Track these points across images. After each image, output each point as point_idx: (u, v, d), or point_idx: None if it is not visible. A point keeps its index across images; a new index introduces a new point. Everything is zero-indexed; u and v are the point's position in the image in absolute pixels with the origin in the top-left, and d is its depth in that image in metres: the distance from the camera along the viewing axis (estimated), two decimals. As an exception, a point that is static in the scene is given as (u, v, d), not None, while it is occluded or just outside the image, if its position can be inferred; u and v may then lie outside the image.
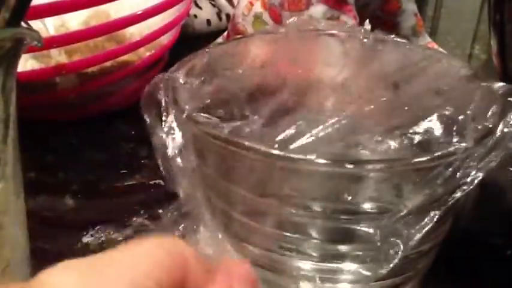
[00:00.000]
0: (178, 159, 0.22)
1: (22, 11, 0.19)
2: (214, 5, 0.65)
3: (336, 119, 0.21)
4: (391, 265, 0.20)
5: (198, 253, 0.15)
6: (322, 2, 0.45)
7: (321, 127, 0.20)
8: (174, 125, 0.22)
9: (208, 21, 0.64)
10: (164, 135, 0.22)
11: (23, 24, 0.20)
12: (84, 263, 0.13)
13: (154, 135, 0.23)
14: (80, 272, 0.13)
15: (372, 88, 0.25)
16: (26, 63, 0.42)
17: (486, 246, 0.31)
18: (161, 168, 0.23)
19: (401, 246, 0.20)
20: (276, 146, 0.19)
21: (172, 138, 0.22)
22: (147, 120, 0.23)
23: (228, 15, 0.64)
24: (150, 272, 0.13)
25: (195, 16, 0.63)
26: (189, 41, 0.58)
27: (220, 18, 0.65)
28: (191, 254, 0.14)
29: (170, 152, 0.22)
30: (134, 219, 0.28)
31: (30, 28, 0.21)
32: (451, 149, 0.19)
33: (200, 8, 0.64)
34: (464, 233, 0.30)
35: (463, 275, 0.29)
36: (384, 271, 0.20)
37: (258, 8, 0.49)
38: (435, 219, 0.20)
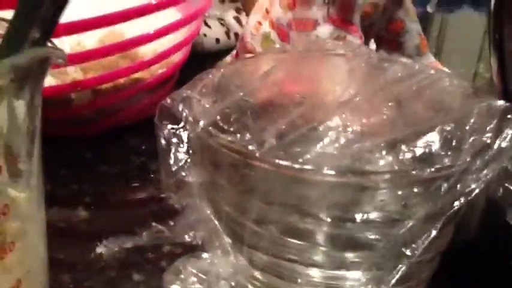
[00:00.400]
0: (187, 172, 0.24)
1: (51, 30, 0.21)
2: (223, 24, 0.67)
3: (343, 133, 0.23)
4: (398, 274, 0.21)
5: None
6: (328, 23, 0.46)
7: (328, 141, 0.22)
8: (185, 138, 0.23)
9: (217, 40, 0.65)
10: (175, 148, 0.23)
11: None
12: None
13: (165, 147, 0.24)
14: None
15: (377, 105, 0.26)
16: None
17: (489, 256, 0.31)
18: (164, 180, 0.24)
19: (408, 255, 0.21)
20: (287, 157, 0.20)
21: (183, 151, 0.23)
22: (161, 134, 0.24)
23: (236, 34, 0.66)
24: None
25: (205, 35, 0.64)
26: (199, 58, 0.60)
27: (229, 37, 0.66)
28: None
29: (181, 164, 0.23)
30: (153, 223, 0.28)
31: (55, 47, 0.22)
32: (450, 162, 0.20)
33: (209, 27, 0.65)
34: (467, 243, 0.30)
35: (466, 285, 0.30)
36: (390, 279, 0.21)
37: (266, 27, 0.50)
38: (438, 229, 0.21)
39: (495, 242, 0.30)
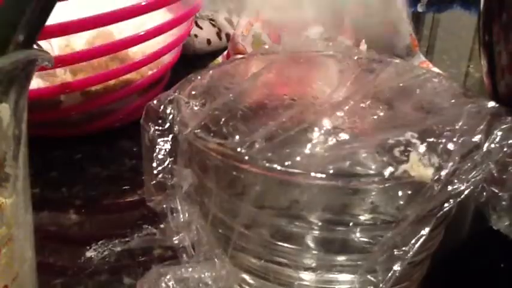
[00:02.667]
0: (170, 175, 0.23)
1: (36, 33, 0.20)
2: (214, 25, 0.66)
3: (333, 135, 0.22)
4: (392, 277, 0.21)
5: None
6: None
7: (318, 143, 0.22)
8: (170, 139, 0.23)
9: (209, 41, 0.65)
10: (158, 150, 0.23)
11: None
12: None
13: (149, 149, 0.24)
14: None
15: (367, 106, 0.26)
16: (32, 82, 0.43)
17: (481, 259, 0.31)
18: (146, 182, 0.24)
19: (399, 257, 0.21)
20: (276, 160, 0.20)
21: (167, 153, 0.23)
22: (146, 135, 0.24)
23: (227, 35, 0.66)
24: None
25: (196, 36, 0.64)
26: (190, 59, 0.59)
27: (220, 38, 0.66)
28: None
29: (163, 166, 0.23)
30: (144, 226, 0.28)
31: (41, 49, 0.22)
32: (440, 163, 0.20)
33: (201, 27, 0.65)
34: (460, 245, 0.30)
35: (457, 286, 0.30)
36: (382, 282, 0.21)
37: (257, 28, 0.50)
38: (428, 231, 0.21)
39: (484, 245, 0.30)
